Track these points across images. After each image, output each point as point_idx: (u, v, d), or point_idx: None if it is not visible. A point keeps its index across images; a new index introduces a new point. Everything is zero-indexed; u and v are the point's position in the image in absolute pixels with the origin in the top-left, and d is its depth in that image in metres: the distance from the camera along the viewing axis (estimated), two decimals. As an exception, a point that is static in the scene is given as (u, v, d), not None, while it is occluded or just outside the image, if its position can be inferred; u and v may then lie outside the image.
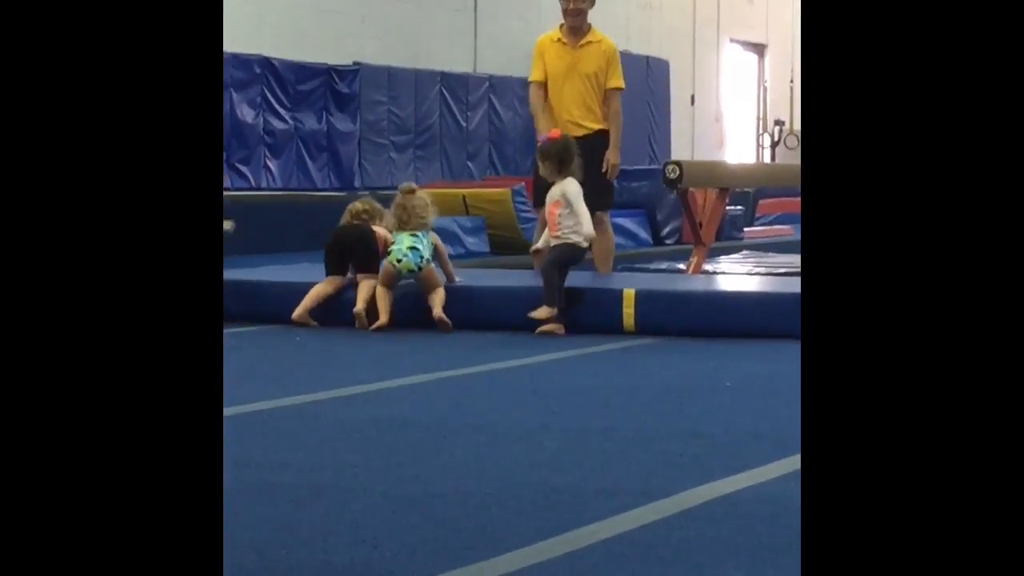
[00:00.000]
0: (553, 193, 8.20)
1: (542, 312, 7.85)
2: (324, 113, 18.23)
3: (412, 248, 8.08)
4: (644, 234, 15.46)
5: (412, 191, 8.44)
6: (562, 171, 8.14)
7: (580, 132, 9.12)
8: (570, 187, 8.09)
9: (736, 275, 10.50)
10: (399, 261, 8.11)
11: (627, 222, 15.00)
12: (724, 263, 11.92)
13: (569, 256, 8.09)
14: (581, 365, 6.88)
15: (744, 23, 26.96)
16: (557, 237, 8.13)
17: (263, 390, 5.96)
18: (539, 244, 8.50)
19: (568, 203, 8.07)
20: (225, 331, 8.00)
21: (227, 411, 5.44)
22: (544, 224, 9.03)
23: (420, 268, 8.10)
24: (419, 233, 8.21)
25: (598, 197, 8.85)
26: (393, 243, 8.23)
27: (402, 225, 8.26)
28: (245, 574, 3.21)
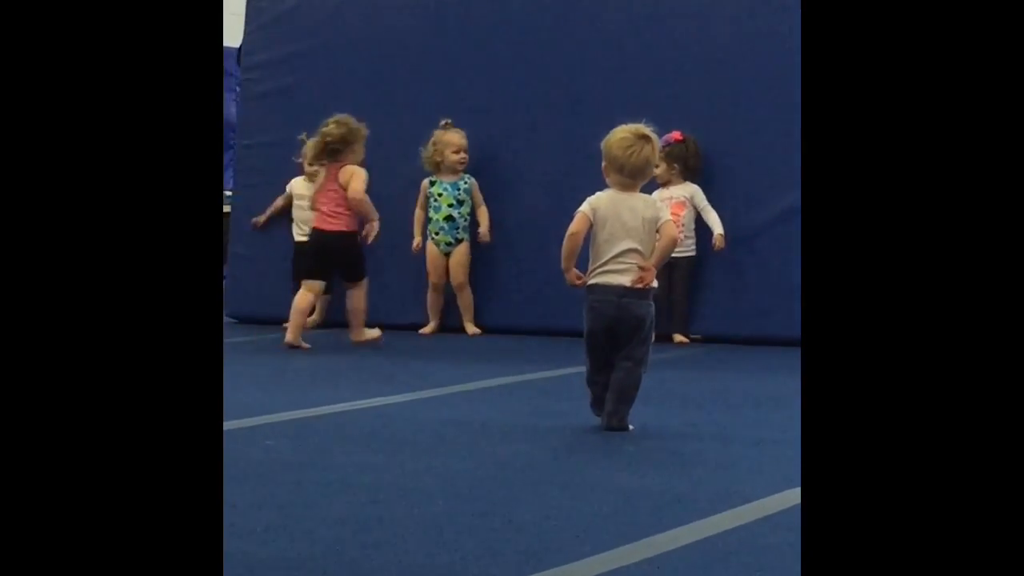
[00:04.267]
0: (675, 193, 8.04)
1: (678, 338, 7.97)
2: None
3: (448, 219, 8.20)
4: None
5: (447, 125, 8.32)
6: (685, 174, 8.08)
7: None
8: (700, 192, 8.05)
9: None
10: (436, 234, 8.23)
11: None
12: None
13: (694, 269, 8.10)
14: (658, 370, 6.84)
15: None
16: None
17: (343, 392, 5.98)
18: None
19: (694, 206, 8.02)
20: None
21: (307, 412, 5.47)
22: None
23: (456, 241, 8.19)
24: (460, 185, 8.20)
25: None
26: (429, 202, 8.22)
27: (430, 163, 8.25)
28: (325, 574, 3.21)
